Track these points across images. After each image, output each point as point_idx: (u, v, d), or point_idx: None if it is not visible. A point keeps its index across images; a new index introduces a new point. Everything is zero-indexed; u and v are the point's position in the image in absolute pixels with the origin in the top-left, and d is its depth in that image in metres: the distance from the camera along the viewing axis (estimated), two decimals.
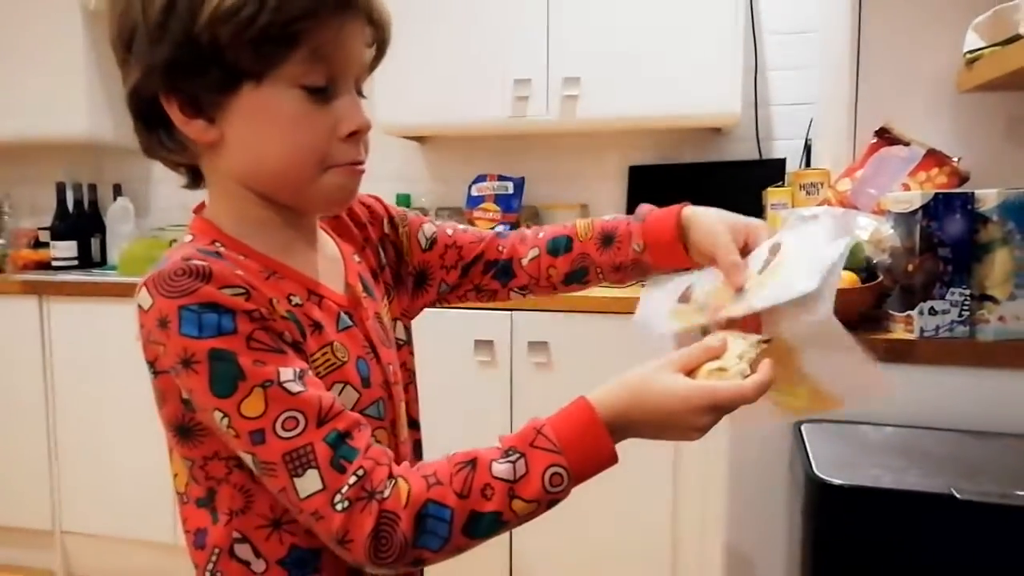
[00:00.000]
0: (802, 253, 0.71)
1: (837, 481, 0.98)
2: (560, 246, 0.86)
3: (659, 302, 0.82)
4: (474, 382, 1.92)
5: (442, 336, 1.91)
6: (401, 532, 0.58)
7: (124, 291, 2.21)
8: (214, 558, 0.66)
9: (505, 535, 1.93)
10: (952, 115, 1.56)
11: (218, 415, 0.58)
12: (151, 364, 0.62)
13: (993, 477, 1.01)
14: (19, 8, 2.47)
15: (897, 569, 0.99)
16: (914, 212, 1.24)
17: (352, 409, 0.65)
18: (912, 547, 0.97)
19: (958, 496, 0.93)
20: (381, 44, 0.68)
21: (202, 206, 0.70)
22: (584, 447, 0.61)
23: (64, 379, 2.30)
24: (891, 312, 1.33)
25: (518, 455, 0.60)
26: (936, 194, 1.21)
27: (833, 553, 1.02)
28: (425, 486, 0.59)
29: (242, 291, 0.59)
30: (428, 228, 0.86)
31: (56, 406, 2.31)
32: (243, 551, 0.65)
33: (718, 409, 0.62)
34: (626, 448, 0.64)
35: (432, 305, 0.88)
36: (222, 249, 0.64)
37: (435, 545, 0.59)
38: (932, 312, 1.23)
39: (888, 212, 1.36)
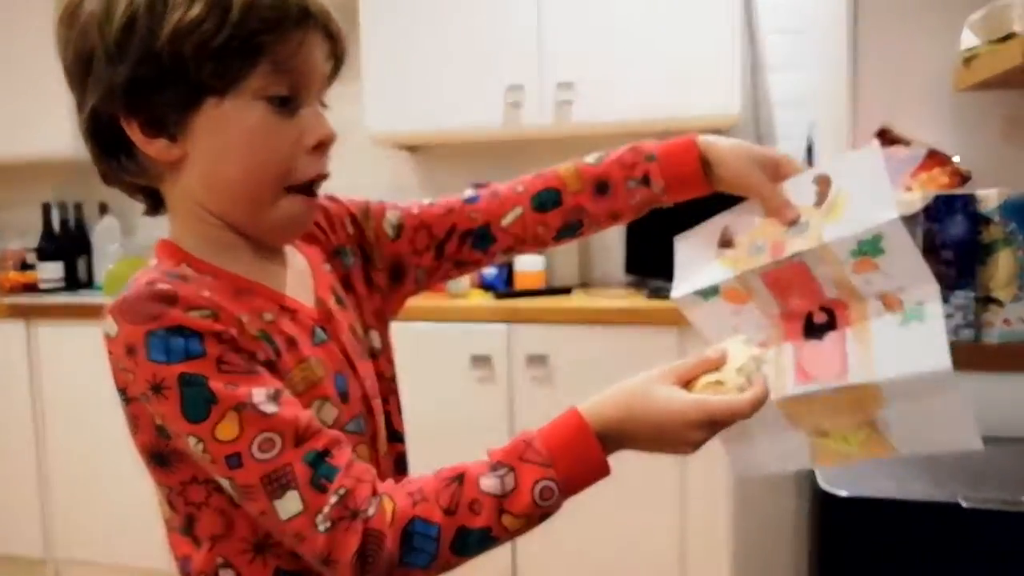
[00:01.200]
0: (861, 187, 0.70)
1: (843, 493, 0.98)
2: (548, 200, 0.80)
3: (698, 252, 0.80)
4: (472, 399, 1.89)
5: (438, 353, 1.88)
6: (387, 551, 0.57)
7: None
8: None
9: (506, 547, 1.90)
10: (950, 114, 1.55)
11: (192, 440, 0.57)
12: (122, 391, 0.61)
13: (1000, 484, 1.00)
14: (2, 26, 2.45)
15: None
16: (915, 214, 1.22)
17: (332, 425, 0.64)
18: (920, 557, 0.97)
19: (965, 505, 0.92)
20: (339, 57, 0.67)
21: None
22: (574, 459, 0.60)
23: (53, 403, 2.27)
24: None
25: (507, 469, 0.59)
26: (937, 196, 1.20)
27: (840, 564, 1.02)
28: (411, 503, 0.58)
29: (209, 312, 0.58)
30: (392, 215, 0.81)
31: (46, 431, 2.28)
32: (227, 575, 0.64)
33: (713, 425, 0.61)
34: (633, 457, 0.62)
35: (413, 294, 0.84)
36: (189, 271, 0.63)
37: (423, 562, 0.58)
38: None
39: None
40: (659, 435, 0.62)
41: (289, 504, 0.57)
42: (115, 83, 0.59)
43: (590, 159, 0.82)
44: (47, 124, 2.45)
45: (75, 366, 2.22)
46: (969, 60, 1.42)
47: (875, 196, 0.68)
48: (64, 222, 2.65)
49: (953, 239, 1.19)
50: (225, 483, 0.58)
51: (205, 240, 0.66)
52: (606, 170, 0.80)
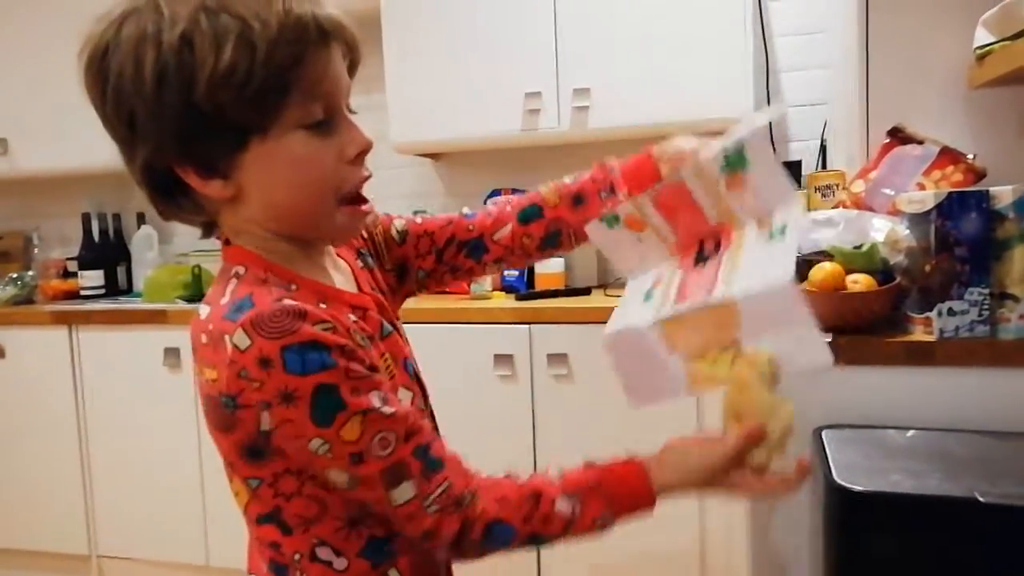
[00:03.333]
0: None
1: (858, 488, 0.97)
2: (531, 214, 0.90)
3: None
4: (495, 397, 1.93)
5: (461, 352, 1.92)
6: (473, 537, 0.69)
7: (150, 318, 2.25)
8: (296, 561, 0.70)
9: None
10: (964, 112, 1.54)
11: (316, 442, 0.63)
12: (231, 397, 0.62)
13: (1017, 479, 0.99)
14: (39, 44, 2.54)
15: (922, 575, 0.97)
16: (928, 212, 1.23)
17: (411, 405, 0.73)
18: (936, 552, 0.96)
19: (981, 499, 0.92)
20: (354, 59, 0.70)
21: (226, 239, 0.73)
22: (631, 507, 0.74)
23: (96, 406, 2.34)
24: (909, 314, 1.31)
25: (577, 500, 0.72)
26: (950, 193, 1.20)
27: (857, 560, 1.00)
28: (497, 508, 0.70)
29: (330, 326, 0.63)
30: (399, 223, 0.90)
31: (89, 433, 2.36)
32: (324, 553, 0.70)
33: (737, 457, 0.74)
34: None
35: (411, 295, 0.93)
36: (273, 279, 0.68)
37: (500, 548, 0.71)
38: (951, 312, 1.22)
39: (902, 213, 1.35)
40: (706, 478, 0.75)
41: (404, 492, 0.66)
42: (163, 138, 0.62)
43: (567, 179, 0.92)
44: (86, 137, 2.49)
45: (116, 370, 2.30)
46: (983, 57, 1.41)
47: (748, 127, 0.75)
48: (103, 231, 2.74)
49: (967, 236, 1.19)
50: (343, 476, 0.65)
51: (274, 253, 0.70)
52: (580, 186, 0.90)
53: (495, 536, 0.70)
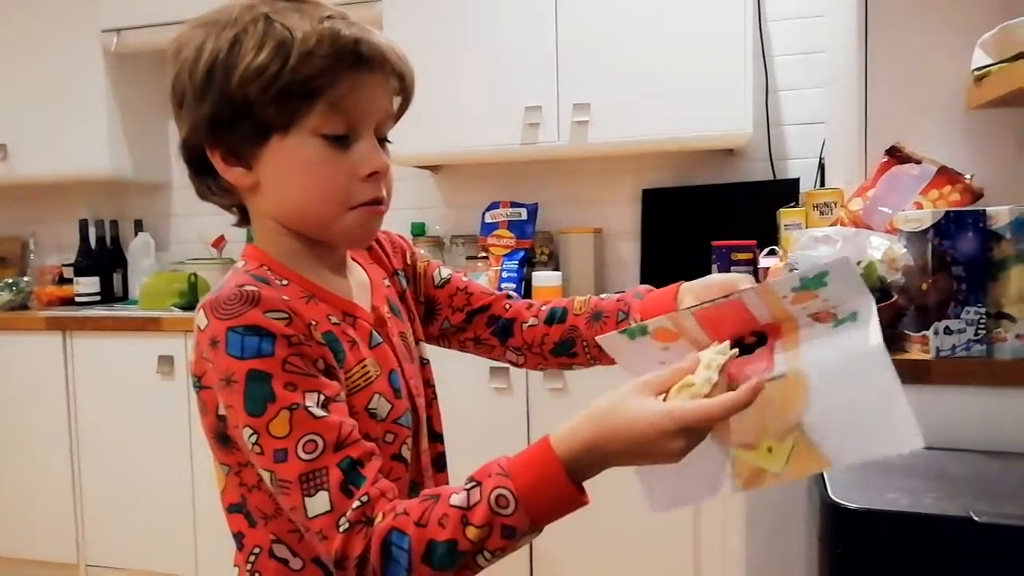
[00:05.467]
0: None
1: (853, 505, 0.97)
2: (556, 316, 0.90)
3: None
4: (491, 409, 1.93)
5: (457, 364, 1.90)
6: (372, 561, 0.60)
7: (145, 325, 2.24)
8: (252, 558, 0.72)
9: (524, 550, 1.92)
10: (962, 132, 1.55)
11: (247, 432, 0.63)
12: (198, 378, 0.68)
13: (1013, 499, 0.99)
14: (41, 51, 2.55)
15: None
16: (925, 231, 1.23)
17: (386, 418, 0.73)
18: (930, 571, 0.95)
19: (977, 519, 0.91)
20: (405, 93, 0.76)
21: (221, 239, 0.77)
22: (535, 475, 0.60)
23: (88, 413, 2.33)
24: (906, 332, 1.31)
25: (474, 484, 0.62)
26: (947, 212, 1.21)
27: None
28: (392, 517, 0.61)
29: (285, 316, 0.65)
30: (444, 271, 0.94)
31: (80, 440, 2.34)
32: (281, 551, 0.71)
33: (688, 431, 0.59)
34: None
35: (432, 338, 0.93)
36: (269, 274, 0.72)
37: (400, 574, 0.60)
38: (948, 331, 1.22)
39: (900, 231, 1.36)
40: (638, 449, 0.60)
41: (318, 503, 0.61)
42: (198, 120, 0.69)
43: (604, 295, 0.92)
44: (85, 144, 2.54)
45: (109, 377, 2.29)
46: (981, 79, 1.43)
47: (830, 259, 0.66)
48: (100, 238, 2.74)
49: (964, 255, 1.20)
50: (266, 475, 0.64)
51: (282, 249, 0.75)
52: (607, 303, 0.89)
53: (392, 555, 0.60)
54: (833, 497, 0.98)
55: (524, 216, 2.30)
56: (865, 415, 0.61)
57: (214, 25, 0.69)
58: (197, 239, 2.68)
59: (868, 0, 1.61)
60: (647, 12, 2.02)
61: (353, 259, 0.83)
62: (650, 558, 1.84)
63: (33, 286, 2.63)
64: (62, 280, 2.72)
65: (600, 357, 0.88)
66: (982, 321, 1.20)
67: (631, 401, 0.62)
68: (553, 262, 2.38)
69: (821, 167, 2.13)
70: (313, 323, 0.68)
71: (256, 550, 0.71)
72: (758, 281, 0.83)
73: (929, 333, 1.24)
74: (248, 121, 0.68)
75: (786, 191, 2.11)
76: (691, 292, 0.80)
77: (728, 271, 1.84)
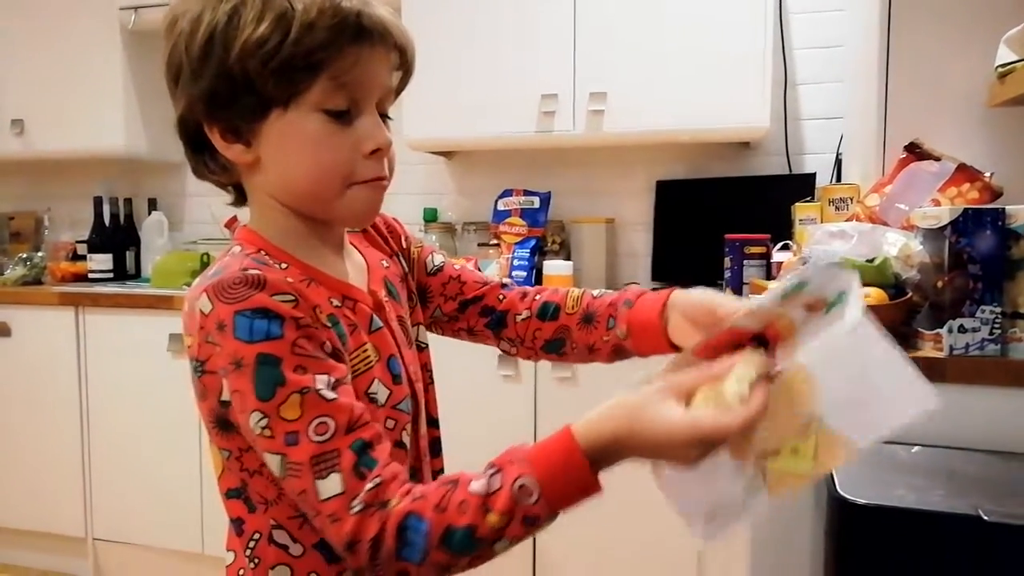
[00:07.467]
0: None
1: (861, 501, 0.97)
2: (548, 312, 0.88)
3: None
4: (499, 397, 1.93)
5: (465, 351, 1.90)
6: (387, 543, 0.60)
7: (157, 303, 2.26)
8: (252, 544, 0.71)
9: (527, 549, 1.93)
10: (983, 130, 1.54)
11: (256, 416, 0.62)
12: (200, 362, 0.66)
13: (1021, 499, 0.98)
14: (59, 28, 2.56)
15: None
16: (943, 228, 1.22)
17: (385, 404, 0.72)
18: (937, 568, 0.95)
19: (985, 517, 0.91)
20: (406, 68, 0.74)
21: (233, 219, 0.75)
22: (556, 466, 0.61)
23: (99, 388, 2.35)
24: (920, 330, 1.30)
25: (495, 470, 0.62)
26: (965, 210, 1.20)
27: (857, 573, 1.00)
28: (410, 500, 0.61)
29: (292, 298, 0.64)
30: (437, 257, 0.91)
31: (90, 415, 2.36)
32: (281, 536, 0.70)
33: (704, 443, 0.59)
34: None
35: (425, 328, 0.91)
36: (266, 258, 0.70)
37: (415, 557, 0.60)
38: (962, 330, 1.21)
39: (916, 228, 1.34)
40: (656, 451, 0.61)
41: (330, 485, 0.61)
42: (196, 95, 0.67)
43: (596, 292, 0.88)
44: (100, 121, 2.55)
45: (120, 353, 2.31)
46: (1004, 76, 1.41)
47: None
48: (114, 216, 2.75)
49: (981, 254, 1.18)
50: (274, 459, 0.62)
51: (280, 230, 0.73)
52: (598, 305, 0.86)
53: (408, 538, 0.60)
54: (841, 492, 0.98)
55: (537, 204, 2.30)
56: (873, 388, 0.61)
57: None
58: (210, 219, 2.69)
59: None
60: (667, 2, 2.00)
61: (350, 242, 0.81)
62: (654, 549, 1.84)
63: (47, 261, 2.65)
64: (76, 256, 2.73)
65: (587, 359, 0.87)
66: (997, 320, 1.19)
67: (656, 406, 0.62)
68: (565, 251, 2.37)
69: (838, 162, 2.11)
70: (317, 306, 0.67)
71: (256, 536, 0.70)
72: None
73: (943, 331, 1.23)
74: (248, 96, 0.66)
75: (802, 186, 2.09)
76: (676, 310, 0.78)
77: (741, 265, 1.84)
